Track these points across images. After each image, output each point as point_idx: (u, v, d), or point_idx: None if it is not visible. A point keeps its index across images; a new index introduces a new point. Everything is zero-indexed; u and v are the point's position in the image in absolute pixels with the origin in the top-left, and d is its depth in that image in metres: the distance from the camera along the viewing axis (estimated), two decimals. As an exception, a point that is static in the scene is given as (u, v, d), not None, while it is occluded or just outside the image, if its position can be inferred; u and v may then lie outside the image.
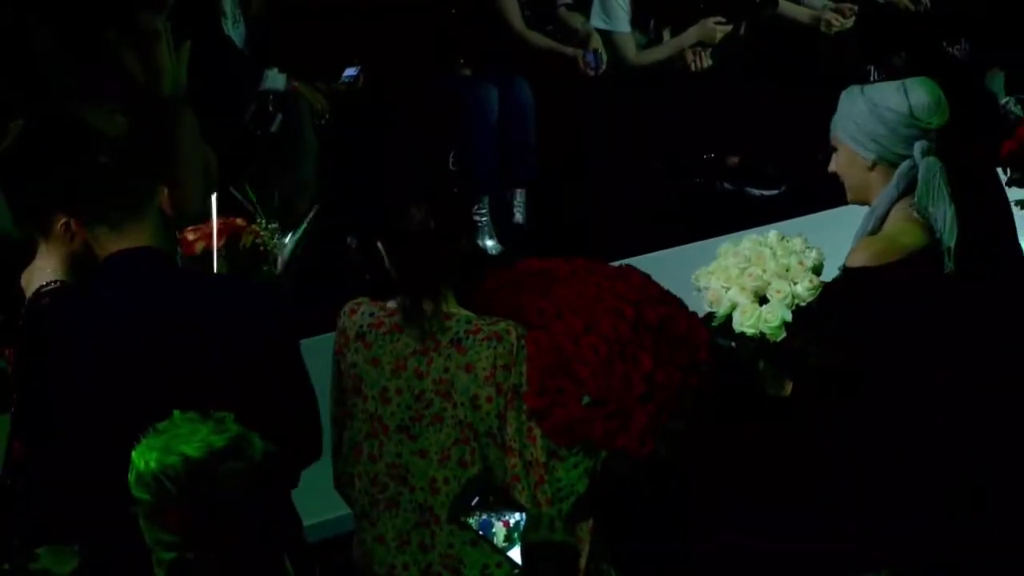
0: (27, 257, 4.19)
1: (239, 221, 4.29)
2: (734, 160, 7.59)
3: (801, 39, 7.72)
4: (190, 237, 4.24)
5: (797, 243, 3.83)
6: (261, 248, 4.28)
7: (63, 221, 4.05)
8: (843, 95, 4.02)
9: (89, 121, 3.96)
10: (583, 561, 3.79)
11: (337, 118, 6.79)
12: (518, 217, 7.12)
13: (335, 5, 6.86)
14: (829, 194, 6.90)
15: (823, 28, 7.74)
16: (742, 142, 7.54)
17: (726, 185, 7.55)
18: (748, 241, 3.83)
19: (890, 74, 7.60)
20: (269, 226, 4.32)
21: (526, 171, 7.12)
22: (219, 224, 4.22)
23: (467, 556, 3.84)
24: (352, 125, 6.82)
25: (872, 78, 7.72)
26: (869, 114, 3.91)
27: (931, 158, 3.86)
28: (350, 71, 6.88)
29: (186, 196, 6.09)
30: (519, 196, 7.13)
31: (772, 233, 3.87)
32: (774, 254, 3.77)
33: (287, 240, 4.34)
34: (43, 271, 4.05)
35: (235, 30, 6.77)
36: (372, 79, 6.89)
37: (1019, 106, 8.10)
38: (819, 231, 4.20)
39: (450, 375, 3.81)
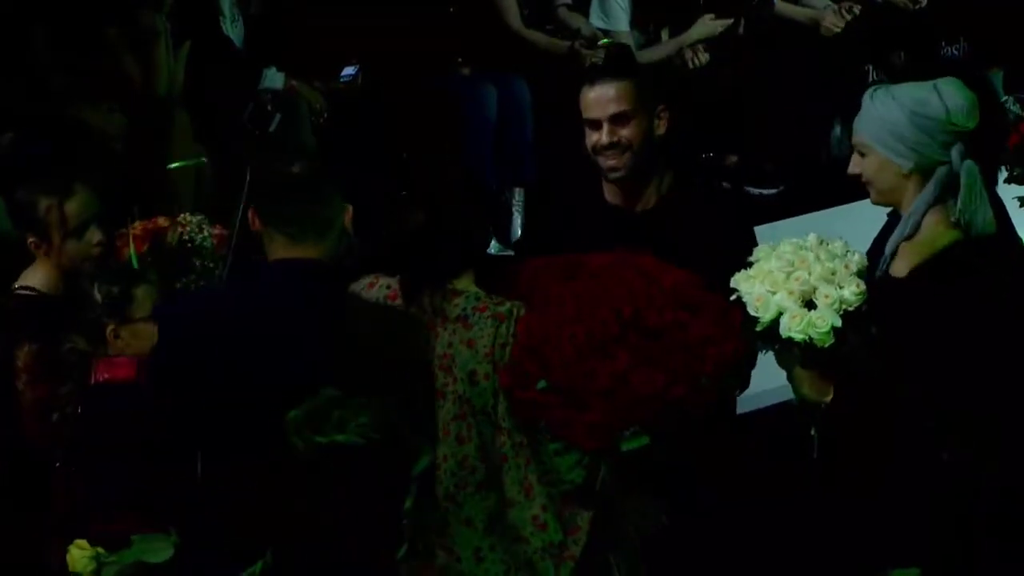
0: (27, 257, 4.27)
1: (161, 220, 4.27)
2: (733, 159, 7.59)
3: (800, 38, 7.71)
4: (117, 244, 4.25)
5: (838, 246, 3.78)
6: (189, 244, 4.25)
7: (31, 240, 4.19)
8: (871, 98, 3.93)
9: (89, 120, 3.98)
10: (578, 550, 3.77)
11: (335, 117, 6.79)
12: (517, 217, 7.11)
13: (334, 5, 6.86)
14: (829, 193, 6.93)
15: (823, 32, 7.73)
16: (741, 141, 7.53)
17: (725, 184, 7.54)
18: (788, 244, 3.79)
19: (889, 73, 7.60)
20: (193, 217, 4.29)
21: (525, 171, 7.11)
22: (140, 229, 4.20)
23: (460, 536, 3.83)
24: (350, 124, 6.82)
25: (871, 77, 7.72)
26: (908, 123, 3.84)
27: (969, 162, 3.81)
28: (348, 70, 6.88)
29: (176, 194, 6.15)
30: (518, 195, 7.13)
31: (811, 236, 3.82)
32: (818, 258, 3.73)
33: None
34: (31, 276, 4.16)
35: (233, 29, 6.78)
36: (370, 78, 6.89)
37: (1018, 105, 8.10)
38: (819, 230, 4.18)
39: (453, 350, 3.79)
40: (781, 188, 7.44)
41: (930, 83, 3.89)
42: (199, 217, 4.31)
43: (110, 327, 4.02)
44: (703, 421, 3.75)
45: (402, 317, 3.66)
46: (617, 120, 4.41)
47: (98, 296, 4.03)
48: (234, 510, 3.36)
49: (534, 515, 3.75)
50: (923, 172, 3.87)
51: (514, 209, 7.12)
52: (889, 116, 3.86)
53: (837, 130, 7.67)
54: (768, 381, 4.02)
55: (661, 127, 4.46)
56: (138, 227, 4.21)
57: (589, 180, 4.56)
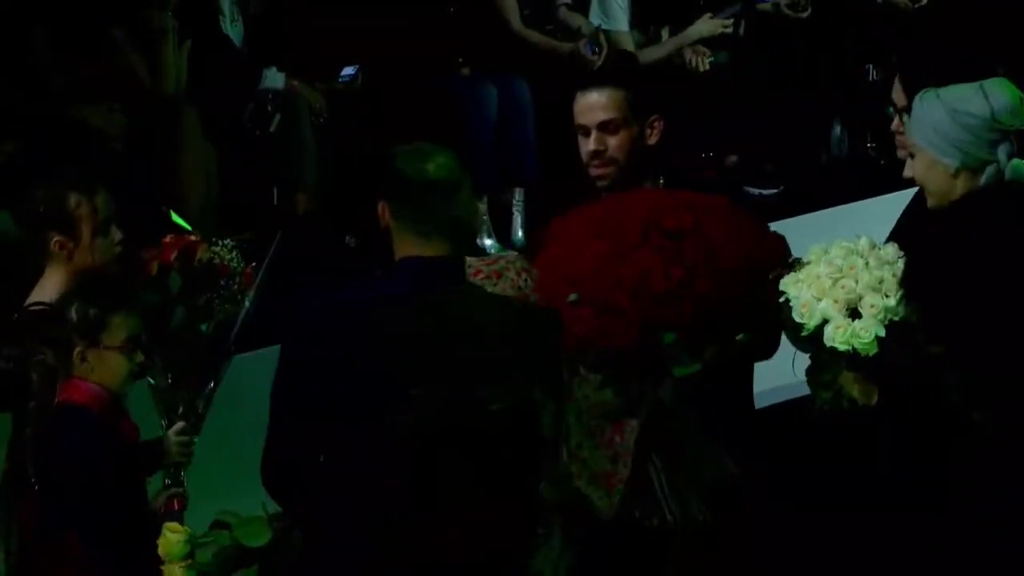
0: (29, 258, 4.25)
1: (193, 237, 4.27)
2: (732, 158, 7.60)
3: (800, 37, 7.72)
4: (145, 257, 4.23)
5: (890, 252, 3.76)
6: (219, 263, 4.25)
7: (56, 240, 4.14)
8: (918, 100, 3.92)
9: (89, 120, 3.97)
10: (627, 473, 3.85)
11: (334, 117, 6.80)
12: (517, 217, 7.12)
13: (334, 5, 6.87)
14: (829, 193, 6.94)
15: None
16: (741, 140, 7.54)
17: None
18: (839, 248, 3.77)
19: (889, 73, 7.60)
20: (223, 242, 4.30)
21: (525, 171, 7.12)
22: (171, 240, 4.20)
23: None
24: (350, 124, 6.83)
25: (871, 77, 7.73)
26: (950, 121, 3.82)
27: (1016, 160, 3.80)
28: (348, 70, 6.89)
29: (188, 193, 6.16)
30: (518, 195, 7.13)
31: (864, 239, 3.81)
32: (867, 264, 3.71)
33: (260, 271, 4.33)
34: (42, 289, 4.13)
35: (233, 29, 6.79)
36: (370, 78, 6.89)
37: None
38: (819, 230, 4.18)
39: None
40: (781, 188, 7.44)
41: (977, 83, 3.86)
42: (228, 242, 4.33)
43: (78, 349, 3.98)
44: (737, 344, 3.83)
45: (531, 308, 3.71)
46: (605, 128, 4.31)
47: (73, 315, 3.98)
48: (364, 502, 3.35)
49: (575, 447, 3.87)
50: (971, 171, 3.84)
51: (514, 209, 7.13)
52: (933, 115, 3.85)
53: (837, 130, 7.69)
54: (782, 377, 4.02)
55: (652, 137, 4.36)
56: (169, 238, 4.22)
57: (588, 183, 4.55)
